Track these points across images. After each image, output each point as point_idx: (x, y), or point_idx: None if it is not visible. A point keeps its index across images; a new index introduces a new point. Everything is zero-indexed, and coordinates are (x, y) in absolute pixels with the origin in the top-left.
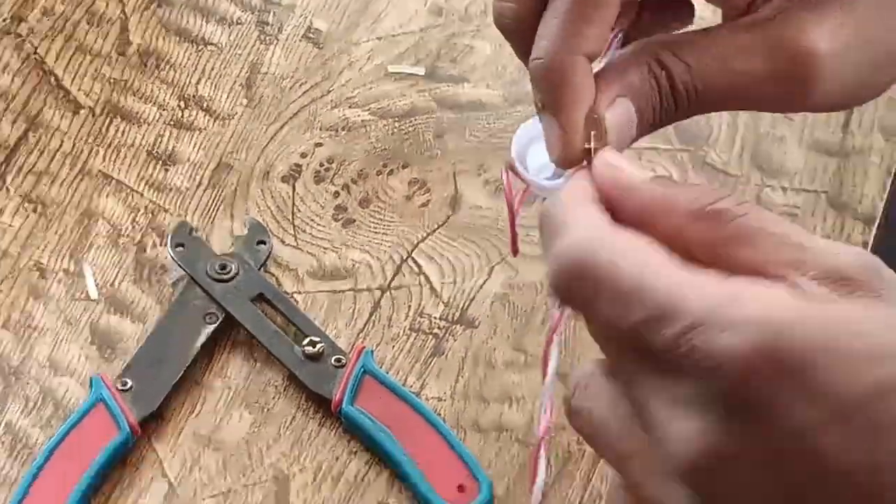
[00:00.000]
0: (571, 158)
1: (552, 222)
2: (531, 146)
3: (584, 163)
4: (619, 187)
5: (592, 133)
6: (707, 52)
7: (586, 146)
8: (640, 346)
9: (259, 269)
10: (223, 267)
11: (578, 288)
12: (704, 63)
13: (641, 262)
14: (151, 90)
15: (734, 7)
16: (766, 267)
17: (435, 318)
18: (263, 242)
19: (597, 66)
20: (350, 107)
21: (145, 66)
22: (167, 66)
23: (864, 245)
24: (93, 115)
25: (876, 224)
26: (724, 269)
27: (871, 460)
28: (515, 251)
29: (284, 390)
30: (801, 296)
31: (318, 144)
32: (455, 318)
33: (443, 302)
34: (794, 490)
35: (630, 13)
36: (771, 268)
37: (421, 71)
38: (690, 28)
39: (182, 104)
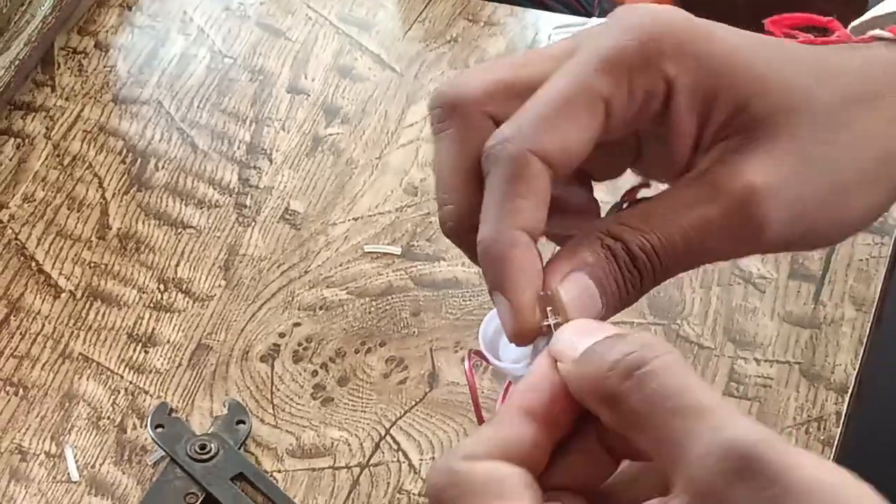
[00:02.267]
0: (523, 335)
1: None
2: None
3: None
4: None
5: (549, 309)
6: (656, 215)
7: (545, 323)
8: None
9: (239, 448)
10: (203, 447)
11: (631, 382)
12: (656, 225)
13: (688, 380)
14: (131, 273)
15: (674, 171)
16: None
17: (414, 494)
18: (243, 422)
19: None
20: (328, 286)
21: (125, 249)
22: (147, 249)
23: (838, 416)
24: (73, 299)
25: (849, 394)
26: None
27: None
28: (481, 421)
29: None
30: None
31: (297, 324)
32: None
33: (421, 478)
34: None
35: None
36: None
37: (397, 250)
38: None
39: (161, 286)
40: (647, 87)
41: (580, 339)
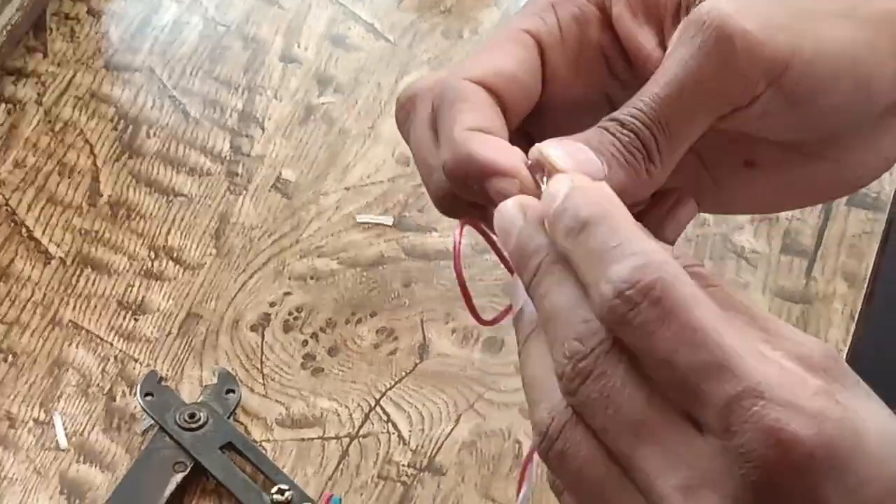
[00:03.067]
0: (457, 164)
1: (601, 238)
2: None
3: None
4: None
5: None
6: (649, 84)
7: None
8: (677, 399)
9: (228, 417)
10: (192, 416)
11: (647, 309)
12: (641, 93)
13: (716, 311)
14: (122, 241)
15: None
16: (738, 340)
17: (403, 465)
18: (232, 391)
19: None
20: (319, 256)
21: (116, 216)
22: (137, 217)
23: None
24: (63, 266)
25: None
26: None
27: None
28: (477, 317)
29: None
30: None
31: (287, 294)
32: (423, 466)
33: (411, 450)
34: None
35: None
36: (742, 342)
37: (389, 220)
38: None
39: (152, 254)
40: (573, 14)
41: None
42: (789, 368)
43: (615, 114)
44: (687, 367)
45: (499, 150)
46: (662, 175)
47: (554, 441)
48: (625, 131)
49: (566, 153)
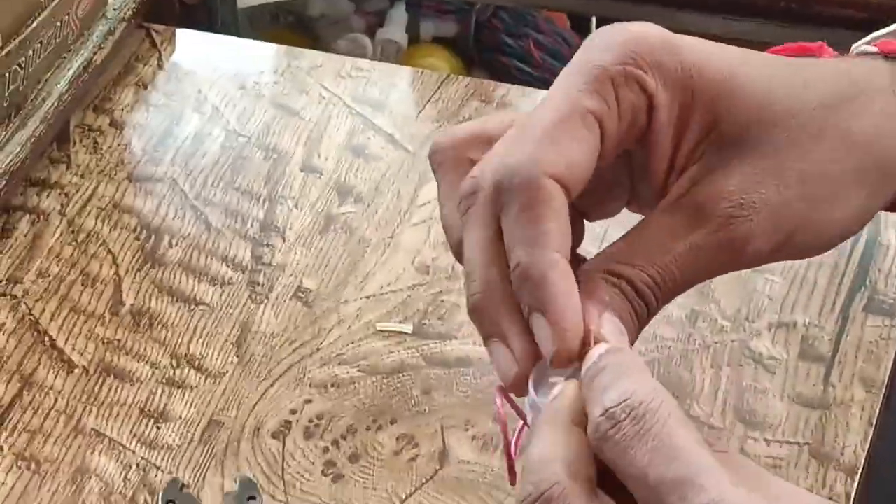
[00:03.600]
0: (567, 355)
1: (616, 367)
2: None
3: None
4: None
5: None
6: (648, 247)
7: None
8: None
9: None
10: None
11: (629, 428)
12: (651, 259)
13: (689, 431)
14: (144, 349)
15: (654, 195)
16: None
17: None
18: (254, 498)
19: None
20: (339, 364)
21: (138, 325)
22: (160, 326)
23: (847, 496)
24: (86, 374)
25: (858, 475)
26: None
27: None
28: (513, 481)
29: None
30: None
31: (308, 401)
32: None
33: None
34: None
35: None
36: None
37: (409, 328)
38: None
39: (174, 363)
40: (632, 102)
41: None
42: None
43: (630, 275)
44: (658, 480)
45: (570, 301)
46: None
47: None
48: (639, 301)
49: (614, 338)
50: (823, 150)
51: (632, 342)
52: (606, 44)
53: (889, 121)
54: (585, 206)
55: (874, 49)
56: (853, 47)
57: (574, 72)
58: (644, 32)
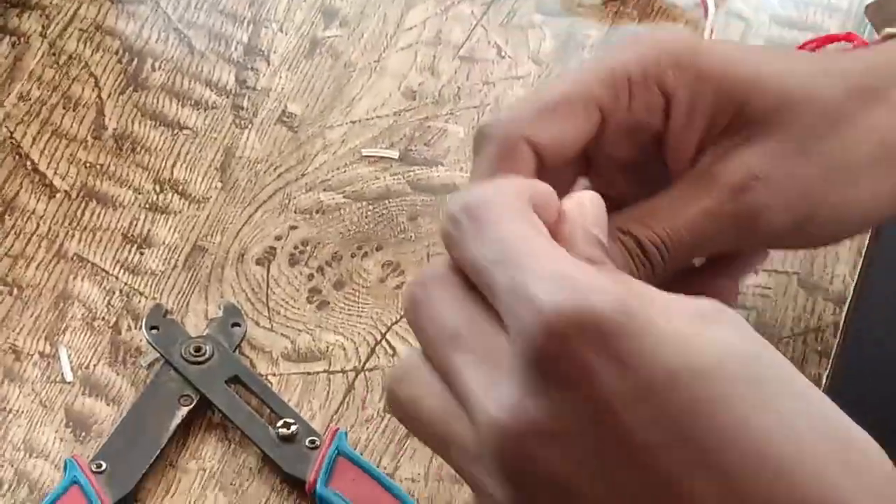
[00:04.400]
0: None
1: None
2: None
3: None
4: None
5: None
6: (662, 210)
7: None
8: (481, 298)
9: (233, 351)
10: (198, 349)
11: (460, 226)
12: (662, 219)
13: (525, 225)
14: (127, 174)
15: (680, 165)
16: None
17: None
18: (238, 325)
19: None
20: (324, 190)
21: (121, 149)
22: (142, 150)
23: (835, 325)
24: (69, 199)
25: (847, 304)
26: None
27: (674, 441)
28: None
29: (259, 472)
30: (637, 283)
31: (293, 227)
32: None
33: None
34: (601, 468)
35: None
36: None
37: (395, 154)
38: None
39: (157, 188)
40: (647, 101)
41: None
42: (575, 263)
43: (638, 232)
44: (481, 268)
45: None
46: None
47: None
48: (643, 258)
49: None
50: (844, 136)
51: None
52: (633, 43)
53: None
54: (620, 196)
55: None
56: (885, 31)
57: (596, 62)
58: (669, 37)
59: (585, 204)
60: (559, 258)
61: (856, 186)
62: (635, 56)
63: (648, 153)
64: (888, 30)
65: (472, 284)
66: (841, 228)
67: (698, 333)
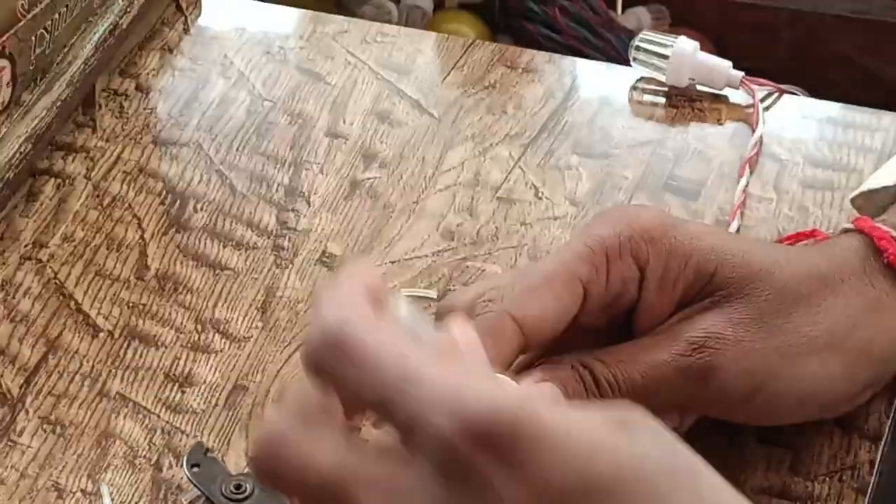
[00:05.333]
0: None
1: (320, 299)
2: None
3: None
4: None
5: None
6: (622, 354)
7: None
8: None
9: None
10: (238, 487)
11: (328, 356)
12: (620, 361)
13: (393, 341)
14: (169, 313)
15: (645, 327)
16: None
17: None
18: None
19: None
20: None
21: (163, 290)
22: (184, 290)
23: (871, 463)
24: (111, 338)
25: (883, 441)
26: None
27: None
28: None
29: None
30: (535, 392)
31: None
32: None
33: None
34: None
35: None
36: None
37: (434, 294)
38: None
39: (199, 327)
40: (622, 274)
41: None
42: (467, 377)
43: (595, 367)
44: (373, 398)
45: None
46: None
47: None
48: (596, 392)
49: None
50: (799, 314)
51: None
52: (609, 219)
53: (857, 299)
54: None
55: (852, 227)
56: (850, 197)
57: (575, 240)
58: (643, 212)
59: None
60: (448, 373)
61: (806, 363)
62: (612, 232)
63: (617, 319)
64: (845, 225)
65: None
66: (790, 405)
67: (601, 444)
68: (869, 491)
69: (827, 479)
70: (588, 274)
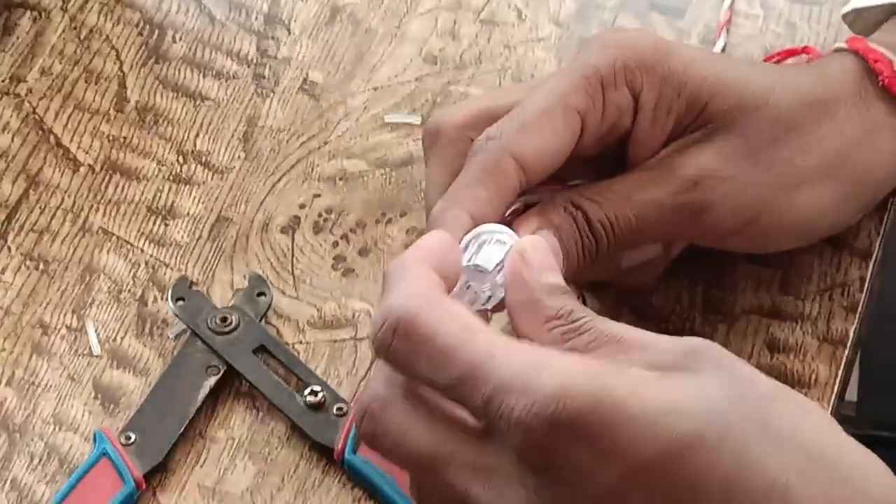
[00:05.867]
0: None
1: (388, 281)
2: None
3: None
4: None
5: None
6: (613, 190)
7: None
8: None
9: (260, 320)
10: (224, 319)
11: (399, 346)
12: (611, 199)
13: (459, 326)
14: (150, 146)
15: (642, 160)
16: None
17: None
18: (263, 294)
19: None
20: (347, 157)
21: (143, 122)
22: (165, 122)
23: (861, 280)
24: (92, 172)
25: (873, 259)
26: None
27: None
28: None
29: (287, 440)
30: (597, 364)
31: (317, 195)
32: None
33: None
34: None
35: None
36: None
37: (417, 119)
38: None
39: (181, 159)
40: (617, 103)
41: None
42: (533, 358)
43: (588, 208)
44: (447, 385)
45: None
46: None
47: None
48: (589, 234)
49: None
50: (792, 143)
51: (570, 270)
52: (602, 46)
53: (852, 124)
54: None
55: (844, 46)
56: (843, 11)
57: (569, 70)
58: (637, 37)
59: (529, 255)
60: (515, 358)
61: (799, 194)
62: (606, 59)
63: (610, 148)
64: (838, 44)
65: (423, 400)
66: (782, 234)
67: (673, 406)
68: (859, 309)
69: (817, 297)
70: (585, 105)
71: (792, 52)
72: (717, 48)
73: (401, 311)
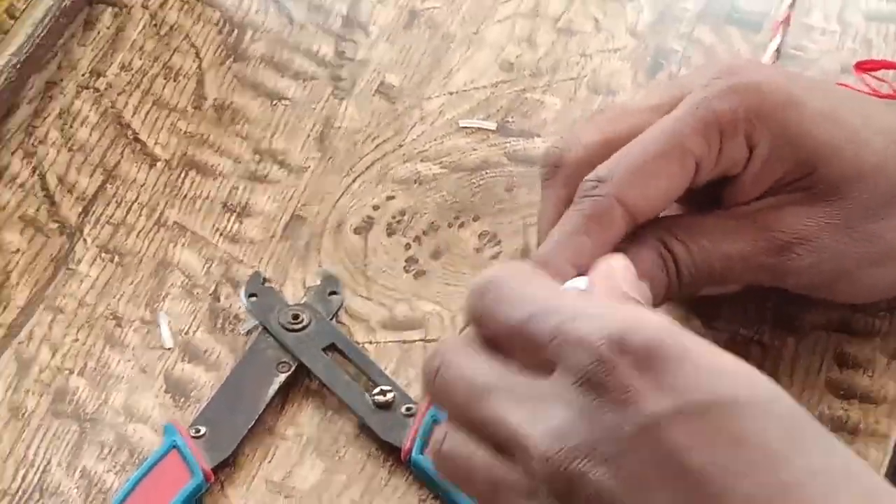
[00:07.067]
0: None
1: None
2: None
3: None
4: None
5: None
6: (703, 235)
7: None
8: (528, 359)
9: (331, 319)
10: (296, 317)
11: (486, 299)
12: (701, 246)
13: (543, 283)
14: (226, 144)
15: (733, 200)
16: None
17: None
18: (335, 293)
19: None
20: (422, 160)
21: (220, 120)
22: (242, 120)
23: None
24: (169, 168)
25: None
26: None
27: (713, 463)
28: None
29: (355, 438)
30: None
31: (391, 197)
32: None
33: None
34: (647, 487)
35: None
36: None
37: (492, 125)
38: None
39: (256, 157)
40: (733, 154)
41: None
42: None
43: (679, 253)
44: (520, 321)
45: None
46: None
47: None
48: (676, 280)
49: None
50: (889, 218)
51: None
52: (728, 89)
53: None
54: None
55: None
56: None
57: (689, 110)
58: (762, 83)
59: (614, 267)
60: (593, 301)
61: (882, 269)
62: (729, 106)
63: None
64: None
65: (495, 349)
66: (850, 298)
67: (736, 370)
68: None
69: (888, 313)
70: (700, 151)
71: (886, 65)
72: (772, 48)
73: (490, 274)
